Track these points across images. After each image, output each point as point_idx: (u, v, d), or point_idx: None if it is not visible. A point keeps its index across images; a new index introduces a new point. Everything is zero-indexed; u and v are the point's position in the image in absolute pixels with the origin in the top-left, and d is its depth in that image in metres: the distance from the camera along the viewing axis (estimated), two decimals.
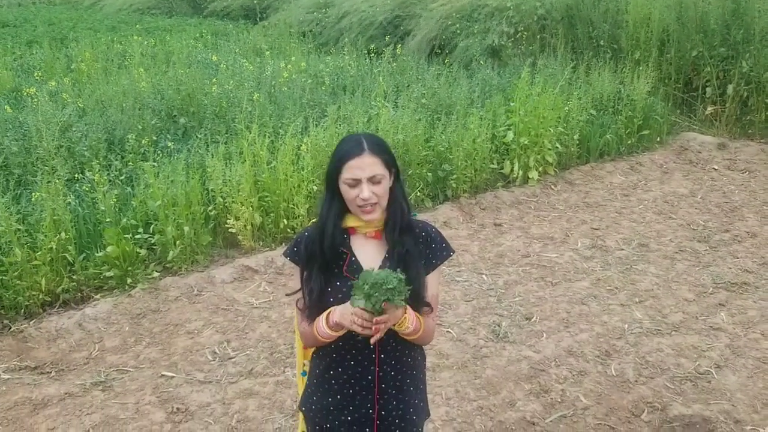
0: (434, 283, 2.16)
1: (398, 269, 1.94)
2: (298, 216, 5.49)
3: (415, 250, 2.11)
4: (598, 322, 4.52)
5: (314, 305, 2.08)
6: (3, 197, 4.63)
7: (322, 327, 2.04)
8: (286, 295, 2.20)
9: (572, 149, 7.24)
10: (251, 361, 4.11)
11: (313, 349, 2.26)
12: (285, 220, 5.50)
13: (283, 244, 5.52)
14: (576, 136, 7.18)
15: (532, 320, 4.55)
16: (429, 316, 2.12)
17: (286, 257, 2.19)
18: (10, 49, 10.19)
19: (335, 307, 2.03)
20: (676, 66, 8.68)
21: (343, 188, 2.05)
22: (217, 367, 4.06)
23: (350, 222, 2.12)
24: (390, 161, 2.08)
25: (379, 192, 2.03)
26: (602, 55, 8.86)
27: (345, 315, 1.97)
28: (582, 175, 7.15)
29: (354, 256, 2.11)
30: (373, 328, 1.93)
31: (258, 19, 13.75)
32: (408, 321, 2.01)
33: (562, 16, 9.37)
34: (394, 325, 2.00)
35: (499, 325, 4.47)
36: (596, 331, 4.41)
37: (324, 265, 2.09)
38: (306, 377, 2.32)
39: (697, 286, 4.97)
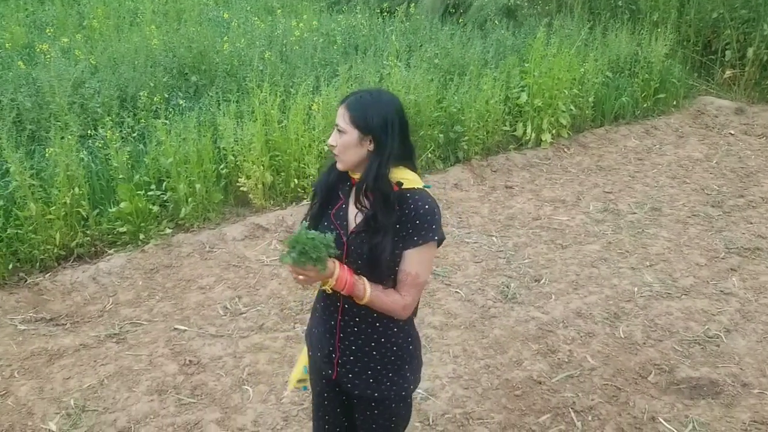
0: (414, 261, 2.07)
1: (330, 231, 1.99)
2: (309, 176, 5.49)
3: (386, 219, 2.04)
4: (608, 284, 4.53)
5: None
6: (17, 152, 4.65)
7: None
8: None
9: (587, 112, 7.16)
10: (262, 316, 4.16)
11: None
12: (296, 180, 5.51)
13: (294, 203, 5.54)
14: (591, 99, 7.09)
15: (541, 282, 4.56)
16: (393, 291, 2.08)
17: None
18: (22, 5, 10.10)
19: None
20: (696, 28, 8.51)
21: None
22: (228, 322, 4.12)
23: (354, 172, 2.16)
24: (360, 123, 2.04)
25: (340, 143, 2.08)
26: (620, 16, 8.68)
27: None
28: (596, 138, 7.08)
29: (345, 204, 2.15)
30: (298, 278, 1.99)
31: None
32: (331, 283, 2.01)
33: None
34: (322, 284, 2.05)
35: (507, 287, 4.49)
36: (605, 294, 4.42)
37: (316, 205, 2.19)
38: None
39: (709, 251, 4.95)
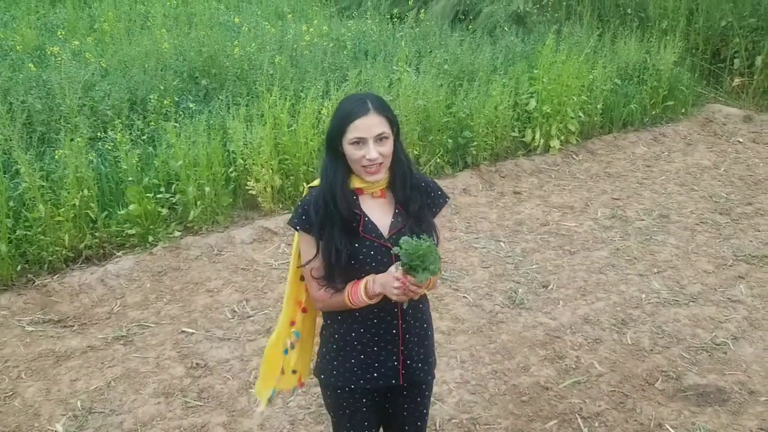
0: (437, 226, 2.21)
1: (425, 236, 1.96)
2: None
3: (425, 204, 2.16)
4: (616, 291, 4.52)
5: (338, 268, 2.06)
6: (27, 154, 4.68)
7: (360, 296, 2.04)
8: (299, 266, 2.18)
9: (595, 118, 7.15)
10: (269, 320, 4.17)
11: (322, 323, 2.29)
12: (305, 183, 5.51)
13: None
14: (599, 106, 7.09)
15: (549, 288, 4.55)
16: None
17: (295, 227, 2.12)
18: (33, 8, 10.18)
19: (373, 277, 2.04)
20: (704, 36, 8.50)
21: (348, 149, 2.02)
22: (235, 325, 4.13)
23: (356, 183, 2.10)
24: (393, 119, 2.07)
25: (384, 152, 2.02)
26: (629, 24, 8.67)
27: (387, 285, 1.98)
28: (604, 144, 7.07)
29: (367, 216, 2.11)
30: (414, 294, 1.98)
31: None
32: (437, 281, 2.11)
33: None
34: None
35: (515, 292, 4.48)
36: (613, 300, 4.41)
37: (345, 227, 2.06)
38: (293, 352, 2.34)
39: (716, 258, 4.93)
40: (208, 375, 3.69)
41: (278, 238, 5.14)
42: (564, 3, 9.19)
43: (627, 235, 5.29)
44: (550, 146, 6.71)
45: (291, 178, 5.56)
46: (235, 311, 4.28)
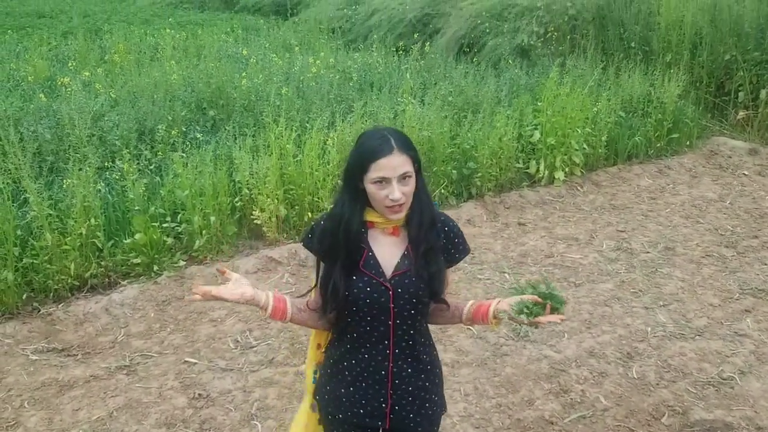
0: (448, 272, 2.17)
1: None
2: (323, 209, 5.53)
3: (437, 245, 2.07)
4: (621, 324, 4.49)
5: (334, 302, 2.04)
6: (36, 183, 4.73)
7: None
8: (303, 294, 2.21)
9: (600, 151, 7.18)
10: (272, 350, 4.16)
11: (323, 348, 2.26)
12: (310, 213, 5.54)
13: None
14: (604, 138, 7.12)
15: None
16: (447, 304, 2.17)
17: (305, 245, 2.15)
18: (46, 39, 10.38)
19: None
20: (708, 69, 8.55)
21: (370, 188, 1.96)
22: (238, 356, 4.12)
23: (370, 216, 2.05)
24: (416, 157, 2.00)
25: (407, 191, 1.96)
26: (633, 57, 8.75)
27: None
28: (609, 176, 7.09)
29: (371, 251, 2.05)
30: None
31: (288, 15, 13.84)
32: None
33: (593, 16, 9.29)
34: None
35: (519, 325, 4.45)
36: (618, 333, 4.38)
37: (348, 263, 2.03)
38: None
39: (723, 292, 4.91)
40: (211, 406, 3.67)
41: (282, 268, 5.15)
42: (568, 36, 9.29)
43: (632, 267, 5.27)
44: (554, 178, 6.73)
45: (296, 207, 5.59)
46: (238, 341, 4.27)
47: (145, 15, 14.71)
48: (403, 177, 1.94)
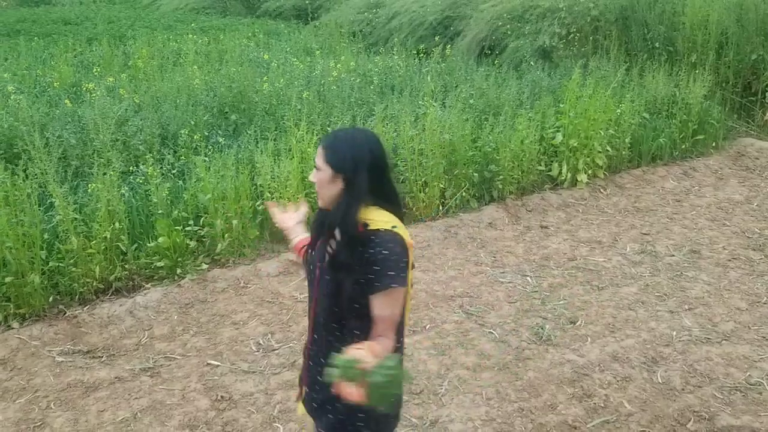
0: (384, 305, 2.07)
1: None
2: None
3: (347, 259, 2.09)
4: (645, 328, 4.44)
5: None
6: (61, 187, 4.80)
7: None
8: None
9: (623, 153, 7.11)
10: (294, 353, 4.17)
11: None
12: None
13: None
14: (627, 140, 7.05)
15: (577, 324, 4.49)
16: (377, 338, 2.07)
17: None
18: (71, 45, 10.52)
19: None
20: (735, 69, 8.43)
21: None
22: (260, 358, 4.13)
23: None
24: (332, 162, 2.11)
25: (315, 180, 2.17)
26: (657, 58, 8.66)
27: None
28: (633, 179, 7.02)
29: (327, 239, 2.23)
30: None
31: (309, 19, 13.90)
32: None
33: (616, 17, 9.20)
34: None
35: (542, 328, 4.42)
36: (643, 338, 4.33)
37: (316, 236, 2.29)
38: None
39: (750, 295, 4.83)
40: (233, 408, 3.69)
41: (304, 272, 5.15)
42: (590, 37, 9.21)
43: (657, 270, 5.20)
44: (577, 180, 6.67)
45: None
46: (260, 344, 4.29)
47: (168, 21, 14.85)
48: (315, 164, 2.17)
